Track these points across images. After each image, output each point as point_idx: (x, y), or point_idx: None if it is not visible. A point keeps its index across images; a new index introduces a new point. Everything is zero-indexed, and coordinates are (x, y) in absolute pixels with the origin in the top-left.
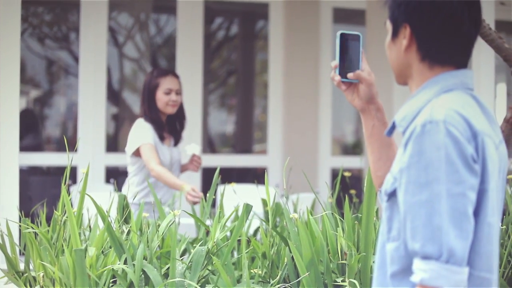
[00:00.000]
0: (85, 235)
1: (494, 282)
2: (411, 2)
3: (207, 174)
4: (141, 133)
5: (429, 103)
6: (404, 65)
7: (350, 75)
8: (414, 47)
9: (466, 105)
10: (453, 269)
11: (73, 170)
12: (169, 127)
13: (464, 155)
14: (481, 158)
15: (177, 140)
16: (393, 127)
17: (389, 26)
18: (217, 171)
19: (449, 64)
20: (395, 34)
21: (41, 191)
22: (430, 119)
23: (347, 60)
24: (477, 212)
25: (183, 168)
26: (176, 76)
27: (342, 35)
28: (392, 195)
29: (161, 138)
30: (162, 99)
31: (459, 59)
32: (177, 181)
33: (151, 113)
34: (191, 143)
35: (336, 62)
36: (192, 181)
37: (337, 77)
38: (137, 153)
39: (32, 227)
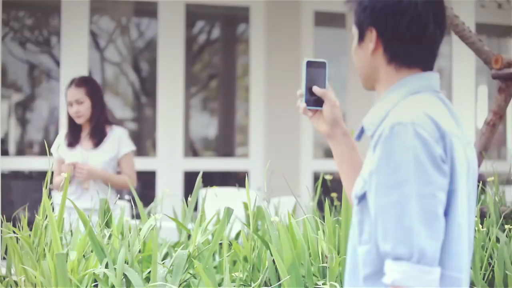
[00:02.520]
0: (66, 240)
1: (464, 282)
2: (376, 6)
3: (189, 178)
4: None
5: (397, 105)
6: (371, 69)
7: (316, 89)
8: (380, 50)
9: (434, 106)
10: (425, 269)
11: None
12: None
13: (433, 156)
14: (450, 159)
15: (95, 143)
16: (362, 131)
17: (354, 31)
18: (200, 175)
19: (416, 67)
20: (361, 38)
21: (22, 195)
22: (398, 121)
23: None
24: (447, 212)
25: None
26: (77, 85)
27: (308, 63)
28: (363, 198)
29: (73, 143)
30: (68, 110)
31: (425, 61)
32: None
33: (67, 119)
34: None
35: (302, 90)
36: (173, 184)
37: (303, 105)
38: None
39: (13, 232)
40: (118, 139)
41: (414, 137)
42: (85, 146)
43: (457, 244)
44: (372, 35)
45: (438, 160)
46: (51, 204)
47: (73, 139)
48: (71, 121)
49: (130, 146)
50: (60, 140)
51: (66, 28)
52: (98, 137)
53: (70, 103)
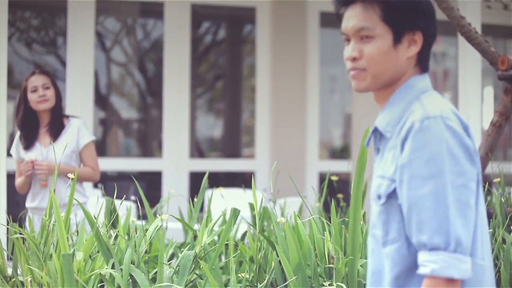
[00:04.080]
0: (72, 240)
1: (488, 269)
2: (426, 12)
3: (195, 178)
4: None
5: (412, 104)
6: (399, 71)
7: None
8: (416, 54)
9: (447, 102)
10: (461, 258)
11: None
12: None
13: (465, 147)
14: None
15: (53, 136)
16: (370, 137)
17: (381, 31)
18: (206, 176)
19: (423, 68)
20: (398, 40)
21: None
22: (427, 115)
23: None
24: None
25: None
26: (41, 73)
27: None
28: (389, 197)
29: (31, 141)
30: (30, 98)
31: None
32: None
33: (18, 117)
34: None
35: None
36: (179, 185)
37: None
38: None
39: (20, 232)
40: (76, 131)
41: (445, 130)
42: (43, 142)
43: (481, 233)
44: (417, 38)
45: (470, 151)
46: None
47: (31, 137)
48: (26, 118)
49: (89, 137)
50: (17, 142)
51: (72, 28)
52: (56, 130)
53: (34, 89)
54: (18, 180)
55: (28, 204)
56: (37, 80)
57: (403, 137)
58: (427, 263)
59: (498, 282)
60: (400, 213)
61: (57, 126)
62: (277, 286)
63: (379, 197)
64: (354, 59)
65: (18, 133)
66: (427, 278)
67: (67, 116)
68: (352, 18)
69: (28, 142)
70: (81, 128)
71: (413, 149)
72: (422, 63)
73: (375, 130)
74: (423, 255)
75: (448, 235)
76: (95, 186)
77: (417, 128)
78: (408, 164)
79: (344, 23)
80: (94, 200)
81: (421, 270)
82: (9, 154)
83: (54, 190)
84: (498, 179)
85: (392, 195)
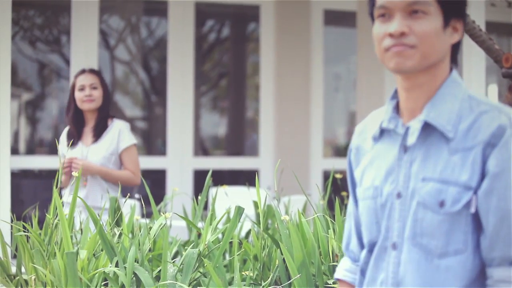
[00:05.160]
0: (76, 238)
1: None
2: (466, 2)
3: (199, 176)
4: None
5: (466, 102)
6: (442, 57)
7: None
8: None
9: None
10: None
11: None
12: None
13: None
14: None
15: (96, 136)
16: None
17: (434, 9)
18: (209, 173)
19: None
20: (446, 24)
21: (32, 194)
22: None
23: None
24: None
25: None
26: (91, 72)
27: None
28: (464, 206)
29: (75, 139)
30: (77, 97)
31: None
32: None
33: (68, 114)
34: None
35: None
36: (183, 183)
37: None
38: None
39: (24, 230)
40: (118, 133)
41: None
42: (85, 141)
43: None
44: (458, 28)
45: None
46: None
47: (76, 135)
48: (74, 115)
49: (131, 140)
50: (63, 138)
51: (76, 27)
52: (99, 131)
53: (82, 87)
54: (62, 178)
55: (66, 199)
56: (85, 79)
57: (486, 141)
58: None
59: None
60: (469, 223)
61: (101, 127)
62: (281, 284)
63: (441, 204)
64: (402, 34)
65: (65, 129)
66: None
67: (112, 117)
68: None
69: (74, 138)
70: (122, 130)
71: (506, 156)
72: (454, 55)
73: (427, 126)
74: (506, 271)
75: None
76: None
77: (508, 134)
78: (501, 174)
79: None
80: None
81: (503, 286)
82: (13, 153)
83: (85, 186)
84: None
85: (465, 205)
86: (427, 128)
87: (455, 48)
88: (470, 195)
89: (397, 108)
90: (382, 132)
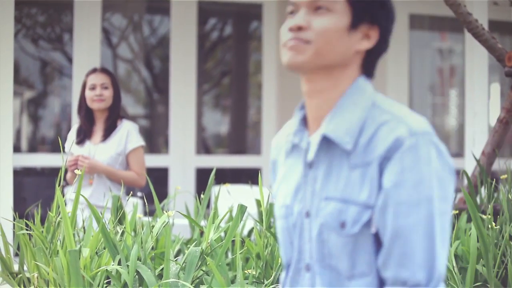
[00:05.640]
0: (79, 236)
1: None
2: (391, 12)
3: (201, 175)
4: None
5: (369, 111)
6: (343, 62)
7: None
8: (364, 53)
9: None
10: None
11: None
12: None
13: (449, 168)
14: None
15: (104, 136)
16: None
17: (341, 8)
18: (213, 172)
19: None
20: (354, 26)
21: (35, 192)
22: (413, 131)
23: None
24: None
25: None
26: (103, 71)
27: None
28: (363, 226)
29: (84, 137)
30: (87, 95)
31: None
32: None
33: (80, 112)
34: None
35: None
36: (185, 181)
37: None
38: None
39: (26, 228)
40: (126, 133)
41: (432, 148)
42: (94, 140)
43: None
44: (372, 35)
45: (453, 172)
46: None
47: (85, 133)
48: (85, 113)
49: (138, 141)
50: (72, 135)
51: (79, 25)
52: (108, 130)
53: (92, 87)
54: (68, 175)
55: (69, 196)
56: (96, 78)
57: (382, 156)
58: None
59: (505, 279)
60: (372, 244)
61: (110, 127)
62: None
63: (342, 225)
64: (299, 29)
65: (74, 127)
66: None
67: (121, 117)
68: None
69: (82, 138)
70: (131, 131)
71: (401, 171)
72: (368, 66)
73: (326, 140)
74: None
75: (432, 270)
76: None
77: (405, 147)
78: (395, 188)
79: None
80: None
81: None
82: (15, 151)
83: (91, 184)
84: (505, 176)
85: (365, 225)
86: (328, 142)
87: (370, 59)
88: (369, 215)
89: (305, 120)
90: (294, 145)
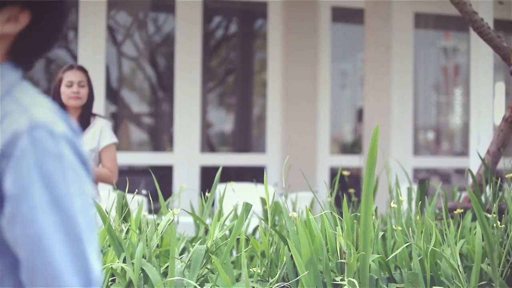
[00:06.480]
0: None
1: None
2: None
3: (206, 173)
4: None
5: (6, 98)
6: None
7: None
8: (14, 39)
9: (47, 99)
10: None
11: None
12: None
13: (82, 159)
14: None
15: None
16: None
17: None
18: (219, 170)
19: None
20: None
21: None
22: (35, 122)
23: None
24: None
25: None
26: (80, 69)
27: None
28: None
29: None
30: (64, 92)
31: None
32: None
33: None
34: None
35: None
36: (190, 179)
37: None
38: None
39: None
40: (100, 130)
41: (61, 139)
42: None
43: None
44: (21, 20)
45: (87, 162)
46: None
47: None
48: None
49: (111, 138)
50: None
51: (84, 22)
52: (82, 127)
53: (70, 84)
54: None
55: None
56: (74, 76)
57: (1, 154)
58: None
59: (510, 278)
60: (16, 264)
61: (83, 124)
62: (288, 281)
63: None
64: None
65: None
66: None
67: (94, 115)
68: None
69: None
70: (104, 128)
71: (25, 171)
72: (19, 54)
73: None
74: None
75: (88, 274)
76: None
77: (25, 143)
78: (23, 193)
79: None
80: (106, 194)
81: None
82: None
83: None
84: (511, 175)
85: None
86: None
87: (22, 46)
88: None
89: None
90: None
